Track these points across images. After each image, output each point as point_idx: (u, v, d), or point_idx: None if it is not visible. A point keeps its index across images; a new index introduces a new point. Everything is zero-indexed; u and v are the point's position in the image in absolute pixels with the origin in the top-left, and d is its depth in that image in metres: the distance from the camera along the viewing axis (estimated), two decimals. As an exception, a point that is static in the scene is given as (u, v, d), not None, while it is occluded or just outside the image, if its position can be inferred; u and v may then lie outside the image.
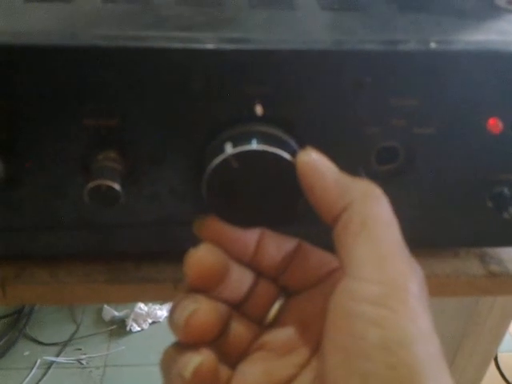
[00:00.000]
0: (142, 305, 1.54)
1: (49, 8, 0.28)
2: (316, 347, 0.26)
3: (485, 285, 0.36)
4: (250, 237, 0.27)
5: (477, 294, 0.36)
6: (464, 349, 0.62)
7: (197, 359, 0.24)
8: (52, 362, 1.42)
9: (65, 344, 1.47)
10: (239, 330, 0.27)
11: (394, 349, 0.20)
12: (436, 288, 0.36)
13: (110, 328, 1.52)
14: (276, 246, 0.28)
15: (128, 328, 1.51)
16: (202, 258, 0.25)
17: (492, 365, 0.94)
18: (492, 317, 0.57)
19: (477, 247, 0.38)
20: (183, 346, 0.25)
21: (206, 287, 0.26)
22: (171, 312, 0.26)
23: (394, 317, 0.20)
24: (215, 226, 0.27)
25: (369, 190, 0.24)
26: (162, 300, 0.35)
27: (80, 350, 1.46)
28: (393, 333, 0.20)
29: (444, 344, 0.21)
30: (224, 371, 0.26)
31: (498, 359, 1.00)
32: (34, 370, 1.39)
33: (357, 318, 0.21)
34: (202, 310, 0.25)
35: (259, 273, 0.28)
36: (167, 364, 0.25)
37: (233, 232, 0.27)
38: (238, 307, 0.28)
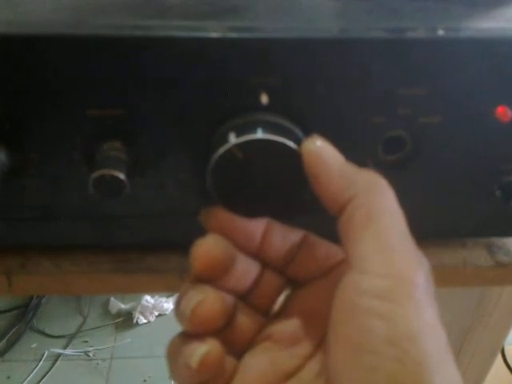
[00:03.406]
0: (148, 297, 1.54)
1: (52, -3, 0.28)
2: (322, 339, 0.26)
3: (492, 275, 0.36)
4: (255, 227, 0.27)
5: (484, 284, 0.36)
6: (470, 341, 0.61)
7: (203, 348, 0.24)
8: (59, 355, 1.43)
9: (72, 336, 1.48)
10: (245, 320, 0.27)
11: (400, 342, 0.20)
12: (443, 278, 0.36)
13: (116, 320, 1.53)
14: (282, 237, 0.28)
15: (134, 320, 1.52)
16: (208, 248, 0.25)
17: (499, 357, 0.94)
18: (499, 309, 0.56)
19: (484, 237, 0.38)
20: (189, 335, 0.25)
21: (212, 277, 0.26)
22: (177, 302, 0.25)
23: (400, 310, 0.20)
24: (221, 216, 0.27)
25: (374, 181, 0.24)
26: (167, 290, 0.35)
27: (87, 342, 1.47)
28: (399, 326, 0.20)
29: (450, 336, 0.21)
30: (230, 361, 0.26)
31: (505, 352, 1.00)
32: (41, 362, 1.41)
33: (362, 312, 0.21)
34: (209, 300, 0.24)
35: (265, 264, 0.28)
36: (174, 354, 0.25)
37: (238, 222, 0.27)
38: (243, 298, 0.28)
